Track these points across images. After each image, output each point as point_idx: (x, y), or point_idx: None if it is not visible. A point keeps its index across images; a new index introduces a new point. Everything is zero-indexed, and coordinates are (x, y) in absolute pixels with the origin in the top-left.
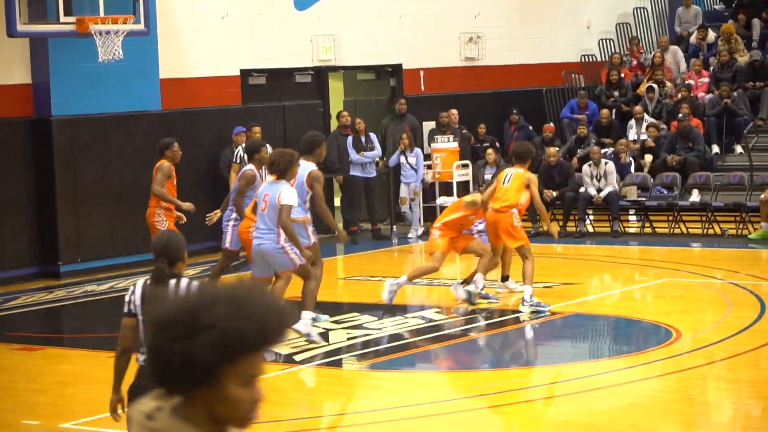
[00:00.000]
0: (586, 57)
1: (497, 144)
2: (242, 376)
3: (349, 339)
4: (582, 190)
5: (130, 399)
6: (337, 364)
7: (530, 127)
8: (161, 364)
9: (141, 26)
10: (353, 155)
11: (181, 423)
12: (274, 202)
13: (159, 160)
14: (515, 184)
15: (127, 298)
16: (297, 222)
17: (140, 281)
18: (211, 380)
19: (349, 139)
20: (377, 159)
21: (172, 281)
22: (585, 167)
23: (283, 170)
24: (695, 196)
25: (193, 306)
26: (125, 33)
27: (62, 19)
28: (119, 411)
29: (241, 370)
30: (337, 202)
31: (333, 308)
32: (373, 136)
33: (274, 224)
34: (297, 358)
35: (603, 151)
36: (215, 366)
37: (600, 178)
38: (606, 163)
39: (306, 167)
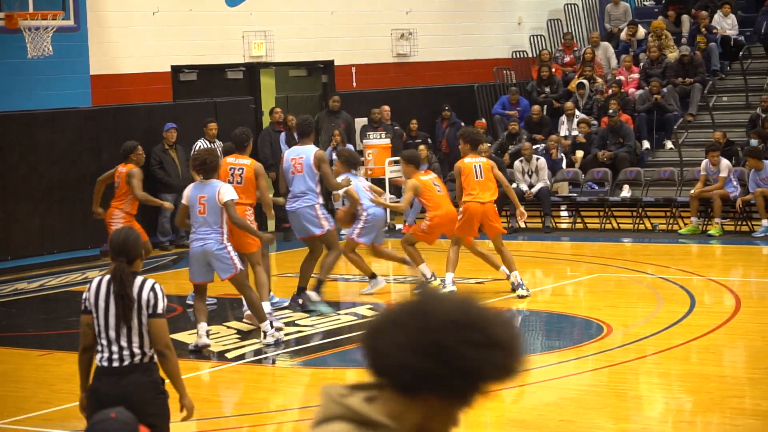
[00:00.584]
0: (518, 53)
1: (429, 140)
2: (475, 401)
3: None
4: (513, 185)
5: (88, 401)
6: (269, 361)
7: (462, 123)
8: (432, 359)
9: (70, 22)
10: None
11: (379, 411)
12: (214, 202)
13: (124, 164)
14: (488, 174)
15: (84, 296)
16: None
17: (96, 279)
18: (465, 396)
19: (282, 135)
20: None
21: (137, 280)
22: (517, 163)
23: (214, 169)
24: (626, 192)
25: (483, 318)
26: (54, 29)
27: None
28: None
29: (482, 394)
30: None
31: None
32: None
33: (218, 225)
34: (229, 355)
35: (534, 147)
36: (485, 383)
37: (531, 173)
38: (537, 159)
39: (309, 150)
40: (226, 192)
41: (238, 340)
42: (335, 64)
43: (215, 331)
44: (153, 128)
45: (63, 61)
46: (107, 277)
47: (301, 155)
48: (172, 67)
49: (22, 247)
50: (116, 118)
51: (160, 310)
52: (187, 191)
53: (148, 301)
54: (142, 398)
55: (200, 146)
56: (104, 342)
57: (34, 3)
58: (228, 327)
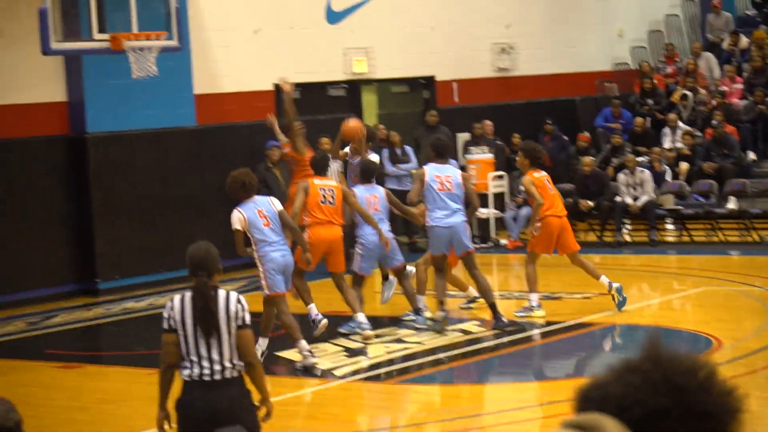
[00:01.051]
0: (619, 65)
1: None
2: None
3: (388, 353)
4: (618, 199)
5: (178, 414)
6: (377, 378)
7: (564, 137)
8: (670, 398)
9: (174, 42)
10: (389, 168)
11: None
12: (273, 212)
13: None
14: (553, 187)
15: (165, 314)
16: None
17: (177, 296)
18: None
19: (385, 151)
20: (413, 171)
21: (221, 293)
22: (621, 176)
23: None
24: (732, 204)
25: (712, 366)
26: (159, 49)
27: (96, 36)
28: (166, 427)
29: None
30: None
31: (371, 322)
32: (408, 148)
33: (283, 235)
34: (337, 372)
35: (638, 159)
36: (717, 426)
37: (636, 186)
38: (642, 172)
39: (454, 169)
40: (276, 201)
41: (346, 357)
42: (436, 79)
43: (323, 348)
44: (256, 147)
45: (167, 81)
46: (188, 293)
47: (448, 174)
48: (275, 85)
49: (130, 266)
50: (220, 137)
51: (247, 321)
52: (239, 215)
53: (236, 313)
54: (236, 410)
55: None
56: (194, 358)
57: (139, 24)
58: (335, 344)
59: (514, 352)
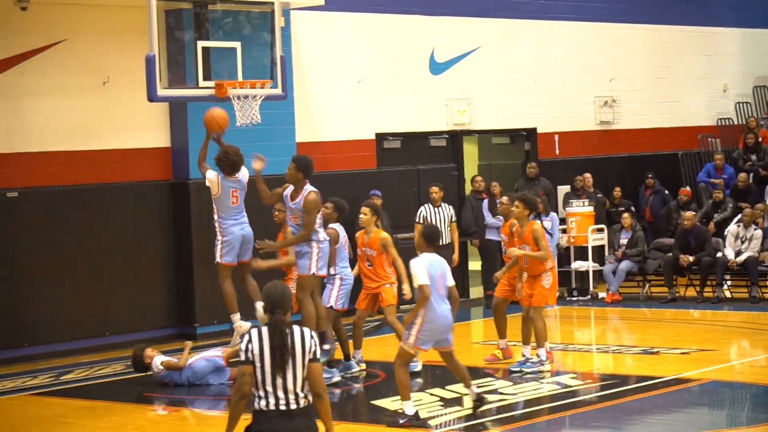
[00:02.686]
0: (723, 120)
1: (632, 208)
2: None
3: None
4: (719, 255)
5: None
6: (472, 429)
7: (666, 191)
8: None
9: (278, 91)
10: (489, 219)
11: None
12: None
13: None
14: None
15: (243, 347)
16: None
17: (254, 331)
18: None
19: (485, 202)
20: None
21: (296, 329)
22: (733, 227)
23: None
24: None
25: None
26: (263, 97)
27: (201, 83)
28: None
29: None
30: (473, 266)
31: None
32: None
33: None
34: (432, 422)
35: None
36: None
37: (745, 241)
38: (756, 229)
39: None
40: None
41: (441, 408)
42: (538, 131)
43: (417, 398)
44: (357, 195)
45: (270, 128)
46: (264, 328)
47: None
48: (376, 134)
49: (227, 312)
50: (321, 185)
51: (318, 355)
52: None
53: (310, 348)
54: None
55: (424, 212)
56: (269, 389)
57: (244, 72)
58: (431, 394)
59: (610, 407)
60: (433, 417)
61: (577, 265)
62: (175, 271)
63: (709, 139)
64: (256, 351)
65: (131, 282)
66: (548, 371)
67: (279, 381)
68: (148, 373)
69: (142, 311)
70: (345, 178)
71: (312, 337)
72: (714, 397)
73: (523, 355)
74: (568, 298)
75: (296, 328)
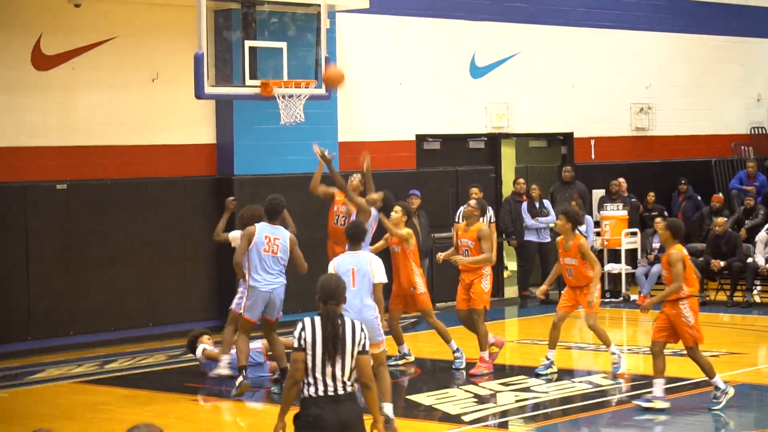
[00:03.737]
0: (756, 129)
1: (665, 213)
2: None
3: (517, 401)
4: (750, 260)
5: (307, 427)
6: (505, 425)
7: (699, 197)
8: None
9: (322, 91)
10: (528, 220)
11: None
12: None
13: None
14: None
15: (296, 334)
16: None
17: (308, 319)
18: None
19: (524, 204)
20: (551, 225)
21: (347, 321)
22: (763, 233)
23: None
24: None
25: None
26: (307, 97)
27: (247, 82)
28: None
29: None
30: (511, 266)
31: (501, 370)
32: (546, 202)
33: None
34: (465, 418)
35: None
36: None
37: None
38: None
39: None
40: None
41: (475, 404)
42: (574, 135)
43: (452, 393)
44: (396, 194)
45: (313, 127)
46: (318, 318)
47: (277, 236)
48: (417, 135)
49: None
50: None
51: (367, 348)
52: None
53: (361, 340)
54: (357, 422)
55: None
56: (318, 376)
57: (289, 72)
58: (465, 390)
59: (638, 407)
60: (467, 413)
61: (610, 267)
62: (218, 264)
63: (742, 147)
64: (309, 339)
65: (176, 274)
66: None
67: (329, 369)
68: (194, 362)
69: (185, 303)
70: (385, 177)
71: (362, 330)
72: (742, 400)
73: (547, 359)
74: (601, 300)
75: (347, 320)
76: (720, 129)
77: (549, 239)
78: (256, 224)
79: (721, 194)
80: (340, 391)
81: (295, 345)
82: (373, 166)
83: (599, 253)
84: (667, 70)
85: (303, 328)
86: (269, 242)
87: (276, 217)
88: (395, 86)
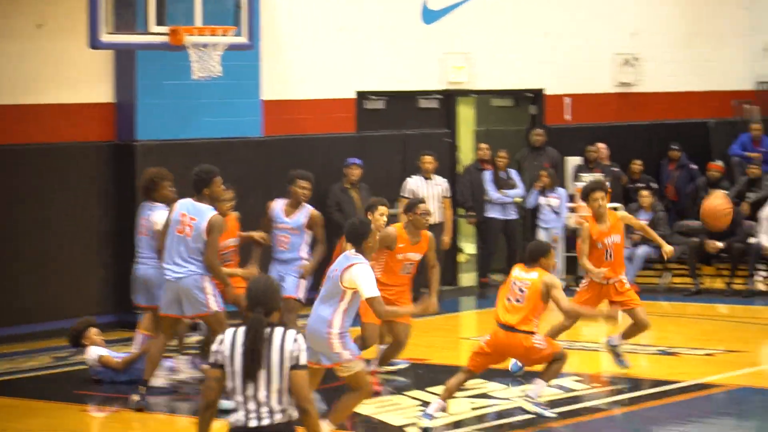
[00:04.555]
0: (763, 84)
1: (654, 185)
2: None
3: (473, 409)
4: (752, 240)
5: None
6: None
7: (693, 166)
8: None
9: (243, 39)
10: (494, 193)
11: None
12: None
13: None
14: None
15: (215, 347)
16: None
17: (230, 330)
18: None
19: (487, 174)
20: (518, 199)
21: (276, 331)
22: (766, 209)
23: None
24: None
25: None
26: (225, 47)
27: (153, 29)
28: None
29: None
30: (470, 248)
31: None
32: (513, 172)
33: None
34: (409, 430)
35: None
36: None
37: None
38: None
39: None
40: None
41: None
42: (546, 93)
43: (396, 401)
44: (332, 163)
45: (232, 84)
46: (242, 328)
47: (194, 215)
48: (357, 93)
49: None
50: (290, 151)
51: (302, 361)
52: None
53: (292, 352)
54: None
55: (413, 185)
56: (240, 398)
57: (204, 17)
58: (411, 397)
59: (619, 415)
60: (412, 424)
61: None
62: (115, 248)
63: (746, 106)
64: (227, 353)
65: (63, 261)
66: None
67: (250, 391)
68: (85, 365)
69: (75, 295)
70: (319, 143)
71: (296, 340)
72: (742, 406)
73: None
74: (572, 288)
75: (279, 330)
76: (719, 84)
77: (516, 216)
78: (180, 200)
79: (720, 162)
80: (265, 421)
81: (210, 360)
82: (302, 129)
83: (573, 233)
84: (657, 14)
85: (221, 341)
86: (183, 221)
87: (200, 190)
88: (331, 33)
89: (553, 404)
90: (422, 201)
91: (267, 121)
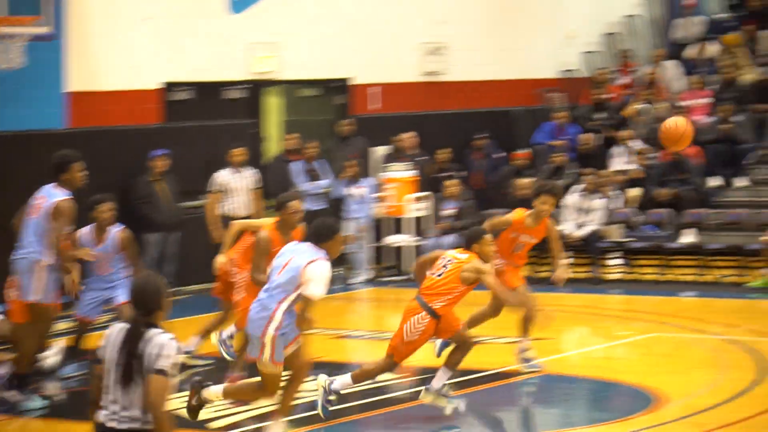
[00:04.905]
0: (566, 72)
1: (464, 174)
2: None
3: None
4: (559, 227)
5: None
6: None
7: (500, 154)
8: None
9: (46, 29)
10: (304, 185)
11: None
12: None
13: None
14: None
15: (101, 342)
16: None
17: (117, 326)
18: None
19: (296, 165)
20: (327, 189)
21: (150, 333)
22: (572, 197)
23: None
24: (688, 237)
25: None
26: (28, 37)
27: None
28: None
29: None
30: None
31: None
32: (322, 162)
33: None
34: (213, 425)
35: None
36: None
37: (586, 212)
38: (600, 198)
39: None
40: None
41: (230, 406)
42: (353, 82)
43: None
44: (139, 155)
45: (34, 74)
46: (125, 325)
47: (43, 195)
48: (164, 83)
49: None
50: (95, 143)
51: (162, 366)
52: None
53: (150, 354)
54: None
55: (222, 178)
56: (109, 397)
57: (9, 7)
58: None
59: (412, 408)
60: (216, 418)
61: (391, 239)
62: None
63: (550, 95)
64: (109, 349)
65: None
66: None
67: (117, 391)
68: None
69: None
70: (125, 134)
71: (161, 343)
72: (547, 394)
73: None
74: (380, 279)
75: (151, 332)
76: (525, 73)
77: (325, 206)
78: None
79: (525, 150)
80: (124, 424)
81: (97, 354)
82: (108, 120)
83: (379, 223)
84: (464, 3)
85: (105, 336)
86: (35, 203)
87: (57, 174)
88: (137, 23)
89: (363, 394)
90: (294, 197)
91: (74, 113)
